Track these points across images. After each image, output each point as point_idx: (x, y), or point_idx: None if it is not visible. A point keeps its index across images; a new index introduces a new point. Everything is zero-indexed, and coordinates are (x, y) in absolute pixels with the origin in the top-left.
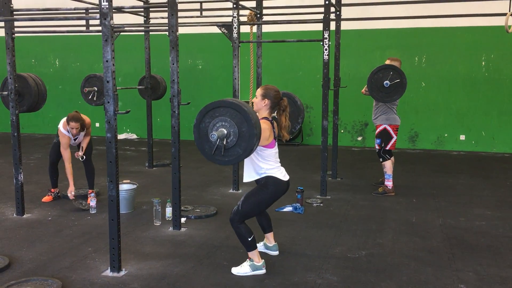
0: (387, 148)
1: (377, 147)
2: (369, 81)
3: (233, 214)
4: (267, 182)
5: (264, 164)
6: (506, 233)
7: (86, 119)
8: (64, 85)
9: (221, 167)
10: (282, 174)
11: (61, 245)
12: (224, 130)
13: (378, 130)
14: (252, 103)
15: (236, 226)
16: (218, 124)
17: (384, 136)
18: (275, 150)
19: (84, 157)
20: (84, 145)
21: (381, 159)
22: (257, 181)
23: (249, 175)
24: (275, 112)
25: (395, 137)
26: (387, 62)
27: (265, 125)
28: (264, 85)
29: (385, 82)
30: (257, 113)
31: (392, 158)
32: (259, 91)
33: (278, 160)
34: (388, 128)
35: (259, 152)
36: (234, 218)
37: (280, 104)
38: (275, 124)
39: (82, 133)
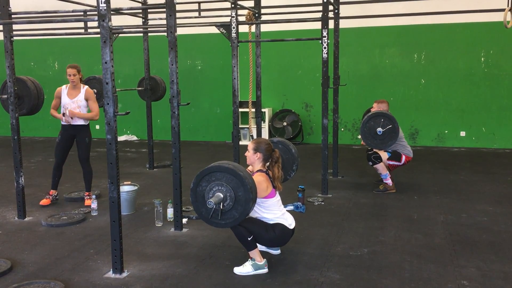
0: (387, 163)
1: (376, 152)
2: (362, 130)
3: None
4: (275, 227)
5: (269, 214)
6: (508, 228)
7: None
8: None
9: None
10: (288, 222)
11: (63, 247)
12: (221, 194)
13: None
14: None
15: (235, 227)
16: (215, 188)
17: (395, 156)
18: (276, 199)
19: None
20: (92, 108)
21: (370, 163)
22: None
23: None
24: (268, 164)
25: (400, 164)
26: (375, 105)
27: (261, 177)
28: (256, 138)
29: (378, 130)
30: (252, 166)
31: (384, 161)
32: (250, 145)
33: (282, 207)
34: (403, 154)
35: (261, 204)
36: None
37: (272, 156)
38: (271, 173)
39: (82, 93)
